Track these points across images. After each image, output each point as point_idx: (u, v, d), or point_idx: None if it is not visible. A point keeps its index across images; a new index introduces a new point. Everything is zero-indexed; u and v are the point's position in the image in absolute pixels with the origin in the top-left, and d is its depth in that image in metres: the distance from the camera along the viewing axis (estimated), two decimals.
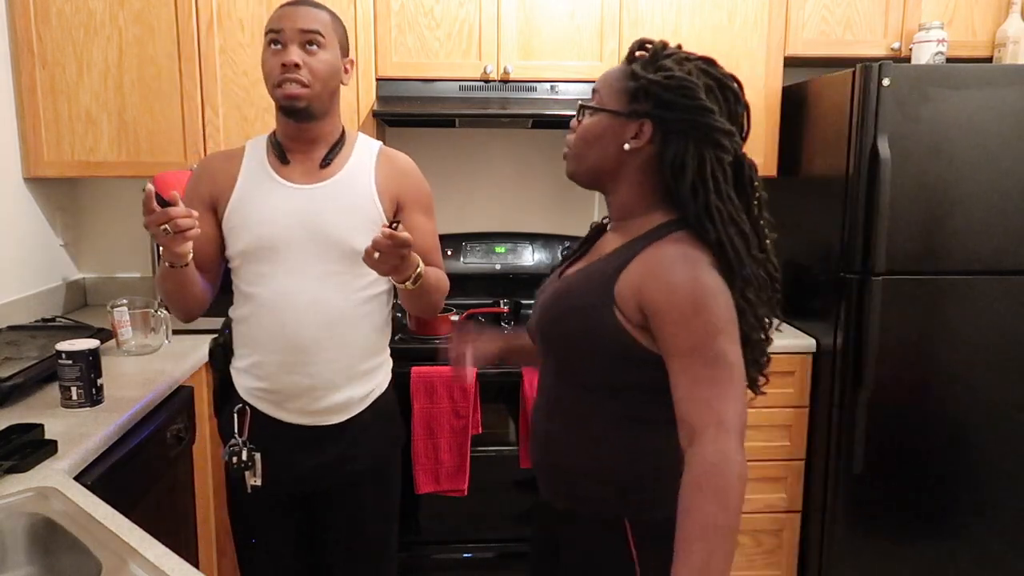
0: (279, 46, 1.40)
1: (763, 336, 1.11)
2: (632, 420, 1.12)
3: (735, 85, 1.10)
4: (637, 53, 1.13)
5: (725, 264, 1.05)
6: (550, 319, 1.17)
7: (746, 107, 1.12)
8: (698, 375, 0.98)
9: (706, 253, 1.05)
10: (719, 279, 1.03)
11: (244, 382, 1.52)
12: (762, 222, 1.11)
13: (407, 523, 2.22)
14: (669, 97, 1.06)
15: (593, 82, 2.47)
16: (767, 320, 1.12)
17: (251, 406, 1.51)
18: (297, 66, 1.39)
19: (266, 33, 1.41)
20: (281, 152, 1.48)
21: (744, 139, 1.12)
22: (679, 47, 1.12)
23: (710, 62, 1.11)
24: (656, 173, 1.11)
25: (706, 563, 0.90)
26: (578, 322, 1.11)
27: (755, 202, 1.11)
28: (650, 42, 1.13)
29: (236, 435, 1.50)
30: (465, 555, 2.29)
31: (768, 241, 1.12)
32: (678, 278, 1.01)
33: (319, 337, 1.45)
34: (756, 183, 1.11)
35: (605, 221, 1.26)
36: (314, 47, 1.40)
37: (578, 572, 1.19)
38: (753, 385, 1.15)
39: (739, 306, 1.05)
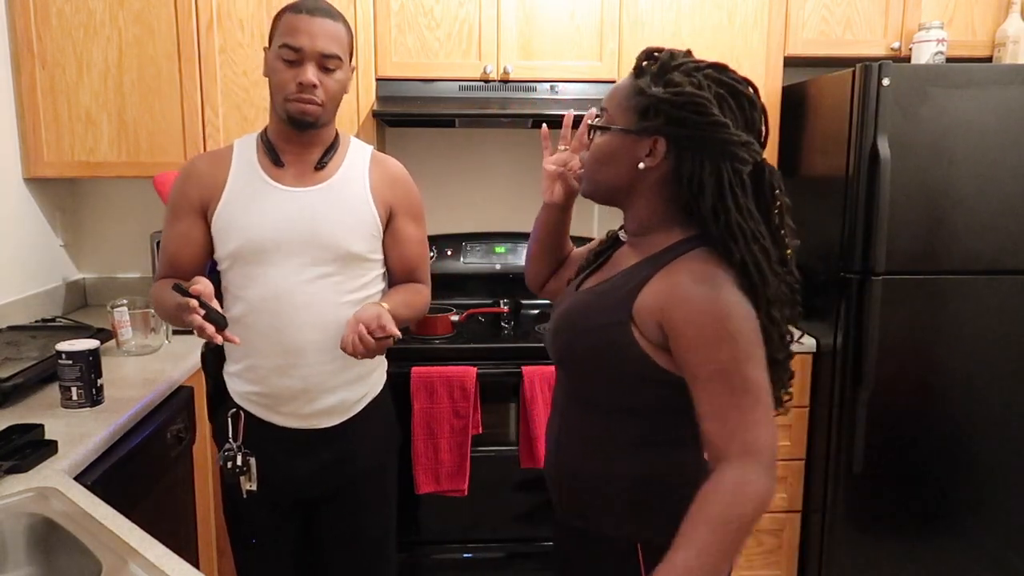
0: (296, 62, 1.38)
1: (788, 355, 1.09)
2: (646, 441, 1.09)
3: (750, 90, 1.07)
4: (644, 64, 1.09)
5: (749, 284, 1.02)
6: (565, 337, 1.14)
7: (763, 111, 1.08)
8: (724, 402, 0.96)
9: (729, 272, 1.02)
10: (744, 300, 1.00)
11: (237, 386, 1.52)
12: (783, 231, 1.08)
13: (407, 523, 2.22)
14: (680, 114, 1.03)
15: (593, 82, 2.48)
16: (789, 337, 1.10)
17: (244, 410, 1.50)
18: (314, 86, 1.38)
19: (281, 45, 1.38)
20: (275, 154, 1.47)
21: (764, 144, 1.08)
22: (688, 53, 1.09)
23: (721, 68, 1.07)
24: (673, 188, 1.08)
25: (690, 570, 0.91)
26: (594, 341, 1.09)
27: (776, 210, 1.07)
28: (658, 51, 1.09)
29: (230, 440, 1.49)
30: (465, 555, 2.29)
31: (789, 252, 1.08)
32: (701, 300, 0.98)
33: (313, 339, 1.44)
34: (777, 190, 1.07)
35: (620, 232, 1.22)
36: (331, 69, 1.40)
37: None
38: (779, 403, 1.11)
39: (764, 326, 1.02)
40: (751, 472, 0.93)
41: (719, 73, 1.06)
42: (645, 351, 1.04)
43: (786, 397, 1.14)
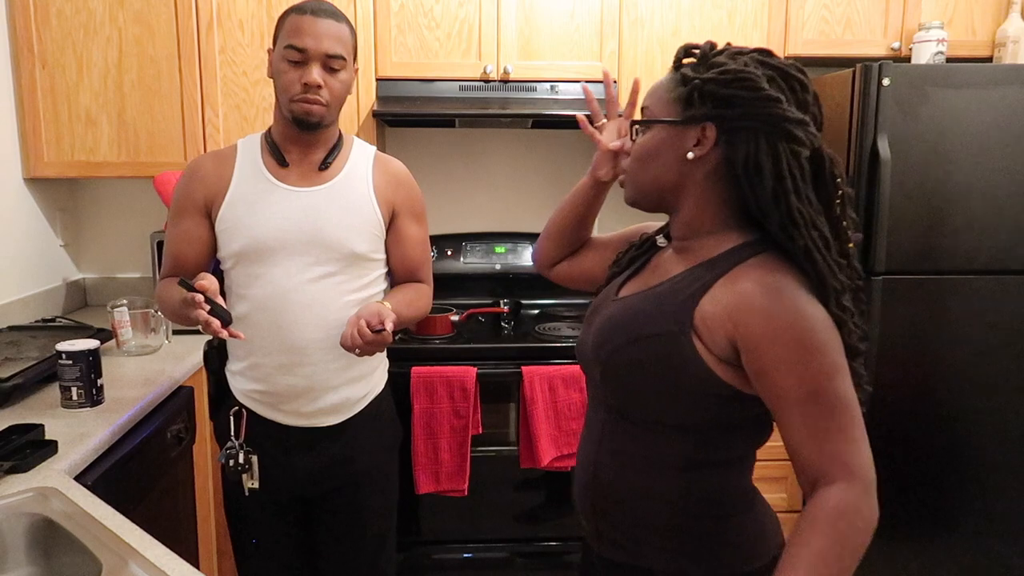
0: (301, 63, 1.39)
1: (865, 346, 1.00)
2: (694, 461, 1.01)
3: (799, 74, 0.98)
4: (684, 60, 1.03)
5: (816, 275, 0.94)
6: (612, 347, 1.03)
7: (815, 96, 0.99)
8: (819, 425, 0.89)
9: (798, 275, 0.95)
10: (821, 308, 0.93)
11: (240, 384, 1.52)
12: (844, 223, 0.99)
13: (407, 523, 2.22)
14: (728, 92, 0.95)
15: (593, 82, 2.47)
16: (862, 328, 1.00)
17: (247, 408, 1.51)
18: (319, 87, 1.39)
19: (286, 46, 1.39)
20: (279, 155, 1.48)
21: (819, 130, 0.99)
22: (728, 44, 1.02)
23: (766, 52, 0.99)
24: (725, 182, 1.00)
25: None
26: (645, 351, 0.99)
27: (837, 200, 0.98)
28: (696, 47, 1.02)
29: (232, 438, 1.50)
30: (465, 555, 2.29)
31: (852, 245, 1.00)
32: (781, 313, 0.90)
33: (316, 338, 1.45)
34: (838, 179, 0.98)
35: (658, 238, 1.14)
36: (335, 69, 1.41)
37: None
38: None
39: (838, 318, 0.94)
40: (857, 497, 0.87)
41: (765, 56, 0.99)
42: (707, 364, 0.95)
43: (861, 395, 1.02)
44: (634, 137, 1.06)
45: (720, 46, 1.02)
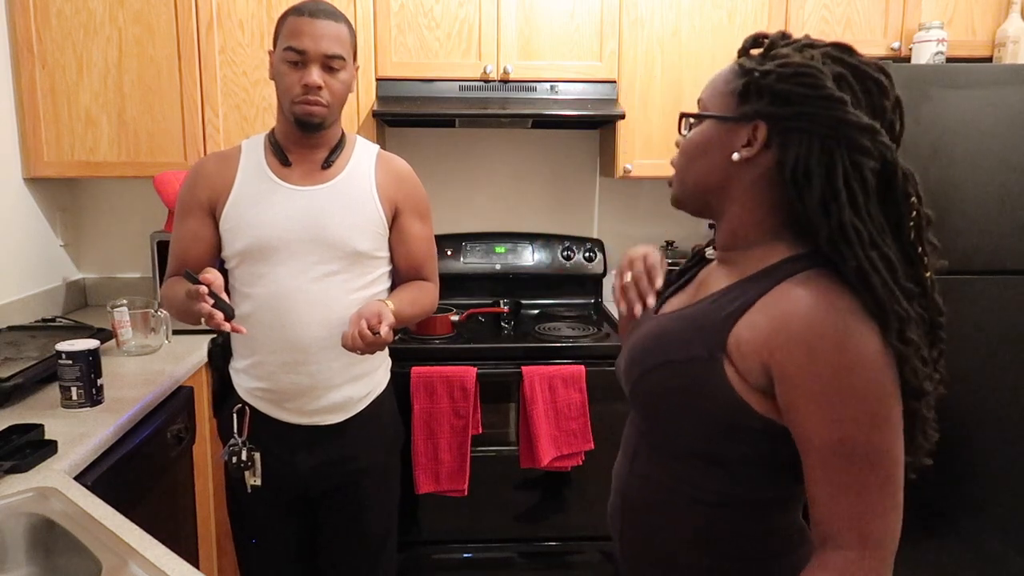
0: (300, 64, 1.40)
1: (933, 388, 0.87)
2: (726, 499, 0.92)
3: (879, 75, 0.87)
4: (751, 51, 0.93)
5: (872, 299, 0.82)
6: (641, 370, 0.96)
7: (897, 102, 0.88)
8: (843, 479, 0.80)
9: (853, 298, 0.83)
10: (876, 341, 0.81)
11: (243, 382, 1.53)
12: (920, 248, 0.88)
13: (407, 523, 2.22)
14: (784, 88, 0.85)
15: (593, 82, 2.47)
16: (934, 366, 0.88)
17: (250, 406, 1.51)
18: (319, 88, 1.40)
19: (285, 47, 1.40)
20: (282, 154, 1.48)
21: (897, 141, 0.88)
22: (807, 37, 0.92)
23: (844, 48, 0.88)
24: (776, 189, 0.89)
25: None
26: (673, 377, 0.91)
27: (910, 222, 0.86)
28: (766, 35, 0.92)
29: (236, 435, 1.50)
30: (465, 555, 2.29)
31: (929, 273, 0.89)
32: (821, 342, 0.80)
33: (319, 337, 1.45)
34: (911, 198, 0.86)
35: (708, 249, 1.05)
36: (335, 69, 1.42)
37: None
38: (916, 451, 0.91)
39: (899, 352, 0.82)
40: (868, 567, 0.80)
41: (840, 52, 0.88)
42: (739, 394, 0.86)
43: (926, 442, 0.93)
44: (684, 131, 0.97)
45: (798, 36, 0.92)
